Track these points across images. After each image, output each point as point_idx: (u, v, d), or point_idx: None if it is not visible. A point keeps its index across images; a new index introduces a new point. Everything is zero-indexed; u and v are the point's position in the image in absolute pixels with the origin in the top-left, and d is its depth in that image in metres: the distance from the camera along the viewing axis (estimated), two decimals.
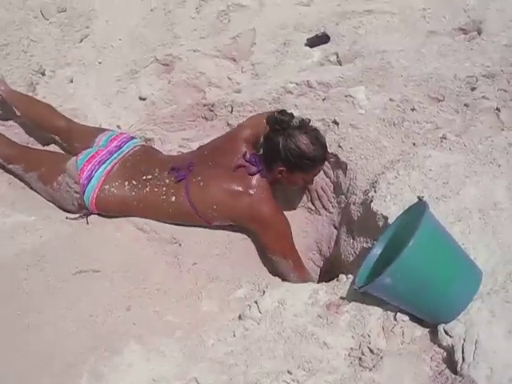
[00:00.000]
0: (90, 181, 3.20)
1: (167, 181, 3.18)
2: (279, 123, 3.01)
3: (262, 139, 3.26)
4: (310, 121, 3.11)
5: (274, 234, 3.12)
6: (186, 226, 3.20)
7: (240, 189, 3.08)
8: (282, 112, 3.05)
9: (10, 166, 3.55)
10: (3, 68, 4.08)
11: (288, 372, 2.17)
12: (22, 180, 3.57)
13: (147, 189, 3.18)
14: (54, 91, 4.21)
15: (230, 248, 3.14)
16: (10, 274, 2.76)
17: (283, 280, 3.06)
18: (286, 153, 3.00)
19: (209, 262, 2.99)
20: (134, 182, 3.21)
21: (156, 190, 3.17)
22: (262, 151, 3.23)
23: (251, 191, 3.08)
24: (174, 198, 3.13)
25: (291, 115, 3.04)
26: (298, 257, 3.20)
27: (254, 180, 3.11)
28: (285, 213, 3.27)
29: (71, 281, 2.74)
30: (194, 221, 3.17)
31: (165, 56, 4.20)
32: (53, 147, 3.92)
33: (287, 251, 3.15)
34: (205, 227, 3.20)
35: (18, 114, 3.89)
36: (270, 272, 3.20)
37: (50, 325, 2.51)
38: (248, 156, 3.18)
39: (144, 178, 3.21)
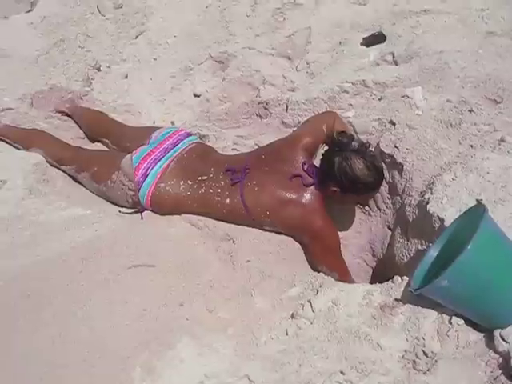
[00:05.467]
0: (145, 178, 3.22)
1: (222, 182, 3.19)
2: (338, 144, 3.01)
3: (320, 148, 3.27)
4: (369, 145, 3.09)
5: (322, 246, 3.11)
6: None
7: (293, 198, 3.07)
8: (342, 133, 3.04)
9: (63, 167, 3.60)
10: (60, 63, 4.17)
11: (341, 372, 2.15)
12: (75, 180, 3.61)
13: (202, 189, 3.19)
14: (109, 86, 4.28)
15: (283, 246, 3.13)
16: (66, 266, 2.79)
17: None
18: (340, 175, 2.98)
19: (262, 260, 2.98)
20: (190, 182, 3.21)
21: (211, 191, 3.18)
22: (319, 165, 3.20)
23: (304, 202, 3.07)
24: (228, 200, 3.13)
25: (351, 137, 3.02)
26: (344, 269, 3.19)
27: (309, 191, 3.10)
28: (338, 213, 3.26)
29: (125, 275, 2.76)
30: (247, 223, 3.17)
31: (219, 53, 4.23)
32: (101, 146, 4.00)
33: (333, 264, 3.14)
34: None
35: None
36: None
37: (103, 318, 2.53)
38: (306, 166, 3.16)
39: (200, 178, 3.22)
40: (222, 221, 3.20)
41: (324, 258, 3.14)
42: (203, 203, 3.18)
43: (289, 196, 3.07)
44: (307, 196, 3.08)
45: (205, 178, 3.21)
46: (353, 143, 2.97)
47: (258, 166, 3.22)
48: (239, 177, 3.16)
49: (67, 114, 4.04)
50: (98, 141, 3.97)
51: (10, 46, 4.16)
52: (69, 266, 2.79)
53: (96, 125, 3.96)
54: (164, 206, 3.24)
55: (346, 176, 2.96)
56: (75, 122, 4.04)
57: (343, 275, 3.11)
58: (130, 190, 3.26)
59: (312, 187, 3.10)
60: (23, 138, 3.68)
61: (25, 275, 2.71)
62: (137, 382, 2.27)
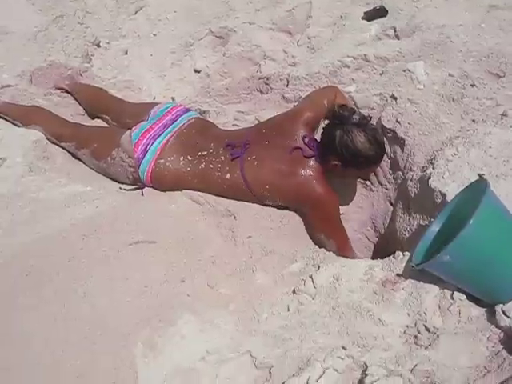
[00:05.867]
0: (145, 155, 3.22)
1: (222, 158, 3.18)
2: (338, 118, 2.97)
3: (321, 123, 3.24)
4: (370, 118, 3.06)
5: (321, 213, 3.08)
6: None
7: (293, 170, 3.05)
8: (343, 107, 3.00)
9: (63, 144, 3.59)
10: (59, 39, 4.15)
11: (342, 348, 2.15)
12: (75, 156, 3.61)
13: (202, 165, 3.18)
14: (108, 63, 4.26)
15: (284, 222, 3.12)
16: (66, 243, 2.78)
17: None
18: (341, 148, 2.94)
19: (263, 236, 2.97)
20: (190, 158, 3.21)
21: (211, 166, 3.17)
22: (319, 139, 3.17)
23: (304, 172, 3.03)
24: (228, 175, 3.12)
25: (352, 110, 2.99)
26: (344, 238, 3.18)
27: (309, 163, 3.06)
28: (340, 188, 3.25)
29: (126, 251, 2.75)
30: (247, 198, 3.16)
31: (220, 28, 4.20)
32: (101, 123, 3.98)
33: (333, 232, 3.13)
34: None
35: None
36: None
37: (104, 294, 2.53)
38: (307, 140, 3.12)
39: (199, 153, 3.22)
40: (223, 196, 3.19)
41: (323, 225, 3.12)
42: (203, 179, 3.18)
43: (289, 168, 3.05)
44: (307, 167, 3.04)
45: (205, 153, 3.21)
46: (354, 116, 2.94)
47: (259, 140, 3.20)
48: (239, 152, 3.15)
49: (67, 91, 4.03)
50: (98, 117, 3.96)
51: (8, 22, 4.14)
52: (69, 242, 2.78)
53: (96, 101, 3.95)
54: (164, 182, 3.24)
55: (347, 149, 2.93)
56: (75, 99, 4.02)
57: (342, 243, 3.11)
58: (130, 166, 3.25)
59: (312, 159, 3.08)
60: (22, 115, 3.67)
61: (25, 253, 2.71)
62: (138, 358, 2.27)
